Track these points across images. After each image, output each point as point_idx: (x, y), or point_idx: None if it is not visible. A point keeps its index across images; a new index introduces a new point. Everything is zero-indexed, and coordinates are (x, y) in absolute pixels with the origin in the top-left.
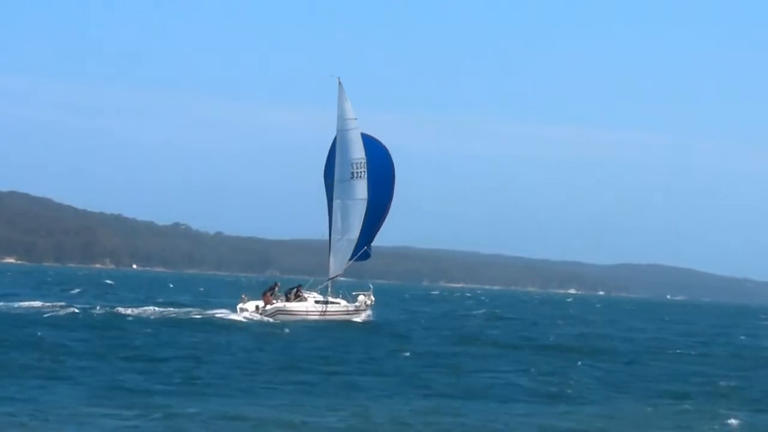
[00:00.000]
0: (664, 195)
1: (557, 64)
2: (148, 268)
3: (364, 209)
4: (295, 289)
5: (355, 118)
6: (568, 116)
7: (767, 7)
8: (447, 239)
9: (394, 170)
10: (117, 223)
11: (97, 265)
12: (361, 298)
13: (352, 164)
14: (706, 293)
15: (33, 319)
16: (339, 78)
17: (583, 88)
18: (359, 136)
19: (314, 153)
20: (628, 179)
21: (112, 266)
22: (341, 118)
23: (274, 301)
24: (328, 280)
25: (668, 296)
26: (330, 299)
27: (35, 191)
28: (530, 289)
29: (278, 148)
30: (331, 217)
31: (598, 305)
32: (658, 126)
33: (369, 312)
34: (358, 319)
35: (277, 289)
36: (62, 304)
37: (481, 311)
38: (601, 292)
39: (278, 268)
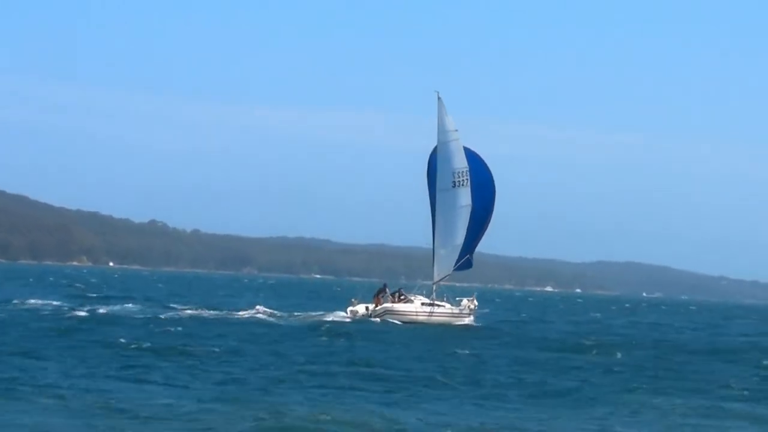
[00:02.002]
0: (641, 193)
1: (537, 64)
2: (124, 266)
3: (468, 216)
4: (397, 292)
5: (456, 130)
6: (545, 116)
7: (743, 11)
8: (425, 237)
9: (493, 180)
10: (93, 220)
11: (74, 263)
12: (464, 302)
13: (453, 173)
14: (682, 291)
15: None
16: (438, 93)
17: (559, 89)
18: (461, 147)
19: (293, 152)
20: (604, 178)
21: (89, 264)
22: (442, 131)
23: (384, 303)
24: (433, 284)
25: (644, 294)
26: (436, 302)
27: (11, 189)
28: (507, 286)
29: (257, 148)
30: (434, 225)
31: (663, 307)
32: (632, 126)
33: (472, 316)
34: (462, 322)
35: (387, 291)
36: (188, 308)
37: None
38: (578, 290)
39: (255, 266)
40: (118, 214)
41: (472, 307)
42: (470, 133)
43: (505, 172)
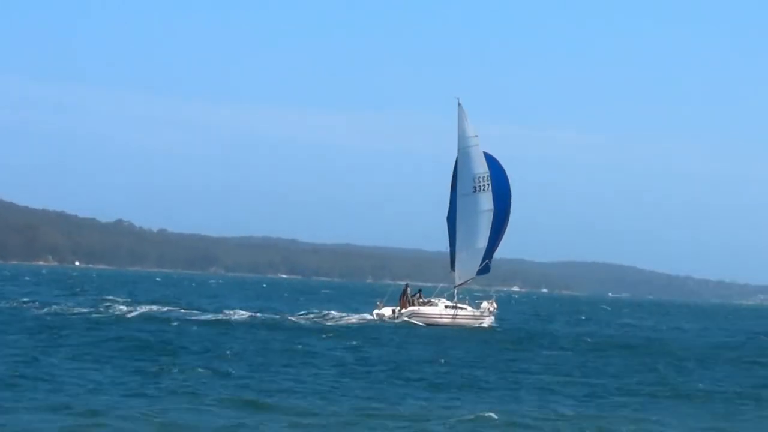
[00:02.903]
0: (607, 193)
1: (493, 63)
2: (90, 265)
3: (490, 220)
4: (417, 294)
5: (476, 136)
6: (511, 115)
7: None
8: (391, 237)
9: (509, 185)
10: (59, 220)
11: (40, 262)
12: (484, 304)
13: (474, 178)
14: (649, 291)
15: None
16: (459, 99)
17: (527, 89)
18: (481, 153)
19: (260, 151)
20: (570, 178)
21: (55, 263)
22: (463, 137)
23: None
24: (454, 287)
25: (609, 294)
26: (458, 305)
27: None
28: (474, 287)
29: (224, 147)
30: (455, 229)
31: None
32: (598, 126)
33: (492, 318)
34: (483, 324)
35: (409, 292)
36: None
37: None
38: (545, 290)
39: (222, 265)
40: (83, 213)
41: (492, 309)
42: (441, 132)
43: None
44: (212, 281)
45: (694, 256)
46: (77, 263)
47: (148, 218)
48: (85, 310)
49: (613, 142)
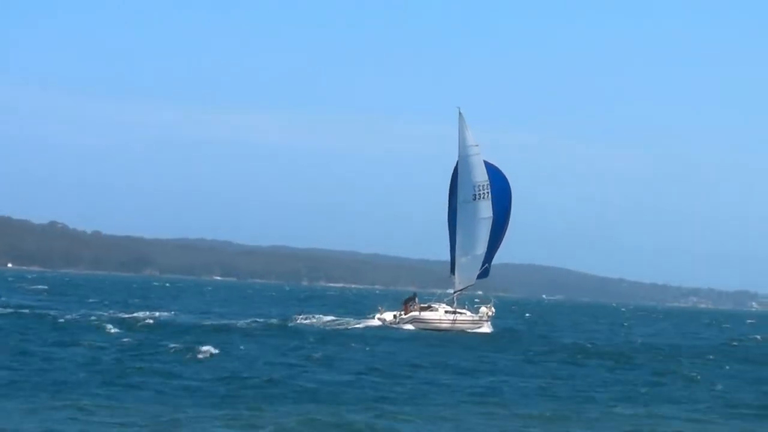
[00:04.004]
0: (539, 195)
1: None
2: (23, 267)
3: (489, 227)
4: (412, 299)
5: (477, 145)
6: (438, 117)
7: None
8: (327, 239)
9: (510, 192)
10: None
11: None
12: (482, 309)
13: (474, 186)
14: (583, 293)
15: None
16: (459, 108)
17: (444, 90)
18: (481, 161)
19: (194, 153)
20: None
21: None
22: (463, 145)
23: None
24: (454, 293)
25: (544, 296)
26: (458, 310)
27: None
28: (410, 288)
29: (158, 148)
30: (454, 235)
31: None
32: (528, 126)
33: (489, 323)
34: (481, 329)
35: (417, 300)
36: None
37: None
38: (479, 292)
39: (156, 267)
40: (17, 215)
41: (490, 314)
42: (373, 133)
43: (412, 171)
44: (209, 288)
45: (627, 258)
46: (10, 265)
47: (82, 220)
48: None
49: (542, 141)
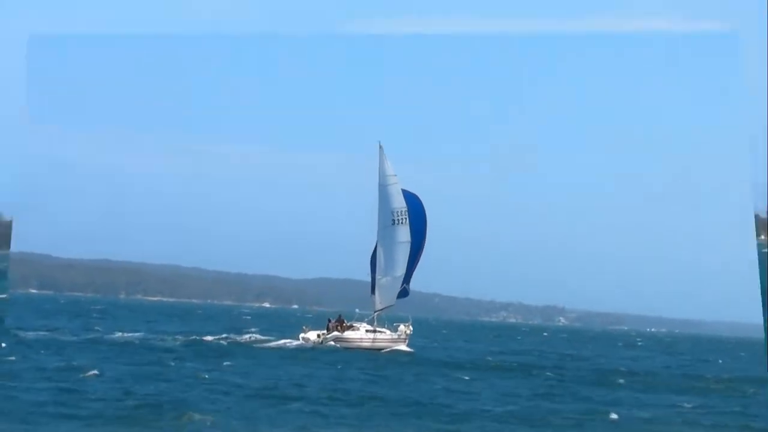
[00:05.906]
0: (339, 209)
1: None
2: None
3: (408, 250)
4: (337, 320)
5: (395, 175)
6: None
7: None
8: (148, 252)
9: (425, 217)
10: None
11: None
12: (401, 328)
13: (392, 212)
14: (398, 307)
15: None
16: (380, 142)
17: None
18: (399, 190)
19: (14, 164)
20: (316, 196)
21: None
22: (383, 175)
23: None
24: (375, 312)
25: (357, 310)
26: (377, 329)
27: None
28: (227, 302)
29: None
30: (374, 258)
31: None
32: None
33: (407, 341)
34: (399, 347)
35: (345, 322)
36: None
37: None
38: (295, 306)
39: None
40: None
41: (408, 332)
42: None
43: (226, 190)
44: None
45: (442, 273)
46: None
47: None
48: None
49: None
